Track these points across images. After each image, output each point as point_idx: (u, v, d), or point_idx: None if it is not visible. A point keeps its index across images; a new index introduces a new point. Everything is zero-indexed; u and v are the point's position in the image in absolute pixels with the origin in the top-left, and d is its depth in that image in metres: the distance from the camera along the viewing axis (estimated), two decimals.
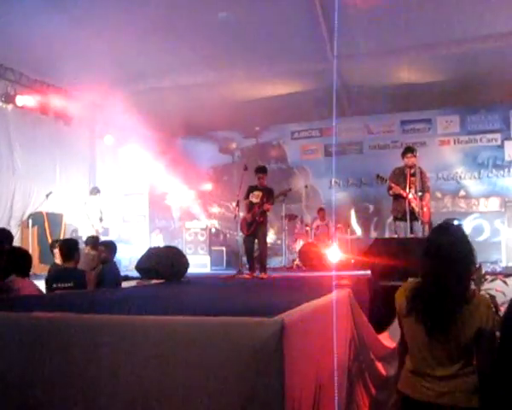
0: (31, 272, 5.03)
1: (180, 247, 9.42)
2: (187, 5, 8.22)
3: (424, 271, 2.66)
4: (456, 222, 10.18)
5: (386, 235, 11.38)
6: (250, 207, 8.00)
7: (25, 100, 9.96)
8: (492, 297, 5.04)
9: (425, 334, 2.59)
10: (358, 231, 12.42)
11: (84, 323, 2.74)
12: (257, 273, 7.90)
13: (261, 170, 8.19)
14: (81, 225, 10.11)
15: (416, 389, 2.63)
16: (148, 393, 2.48)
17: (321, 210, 11.37)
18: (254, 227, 7.92)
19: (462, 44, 9.50)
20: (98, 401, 2.56)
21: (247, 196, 8.11)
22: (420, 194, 7.74)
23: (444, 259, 2.57)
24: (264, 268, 7.93)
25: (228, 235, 12.70)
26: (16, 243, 9.43)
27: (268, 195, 8.04)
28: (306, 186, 11.68)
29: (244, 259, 8.46)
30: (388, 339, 4.43)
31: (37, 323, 2.82)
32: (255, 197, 8.01)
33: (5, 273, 4.61)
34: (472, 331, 2.53)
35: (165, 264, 6.41)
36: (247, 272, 8.05)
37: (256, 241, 8.05)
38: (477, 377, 2.58)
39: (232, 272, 8.84)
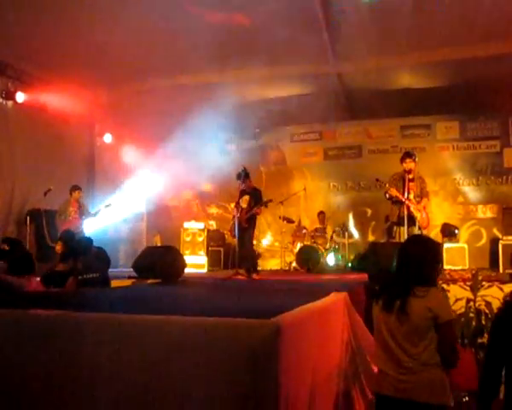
0: None
1: (178, 247, 9.40)
2: (190, 5, 8.21)
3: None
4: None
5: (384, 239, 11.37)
6: (239, 211, 8.05)
7: (25, 97, 9.93)
8: (488, 304, 5.07)
9: (385, 314, 3.03)
10: (356, 234, 12.42)
11: (82, 321, 2.74)
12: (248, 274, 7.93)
13: (243, 175, 8.05)
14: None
15: (383, 385, 2.96)
16: (144, 392, 2.47)
17: (321, 213, 11.37)
18: (241, 232, 7.95)
19: (463, 50, 9.51)
20: (96, 398, 2.56)
21: (238, 201, 8.14)
22: (418, 199, 7.80)
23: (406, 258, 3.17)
24: (255, 269, 8.03)
25: (225, 236, 12.67)
26: None
27: (255, 198, 8.04)
28: (305, 189, 11.67)
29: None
30: None
31: (36, 321, 2.82)
32: (244, 202, 8.05)
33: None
34: (423, 313, 2.90)
35: (162, 264, 6.41)
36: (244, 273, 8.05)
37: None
38: (441, 373, 2.90)
39: (229, 272, 8.83)
